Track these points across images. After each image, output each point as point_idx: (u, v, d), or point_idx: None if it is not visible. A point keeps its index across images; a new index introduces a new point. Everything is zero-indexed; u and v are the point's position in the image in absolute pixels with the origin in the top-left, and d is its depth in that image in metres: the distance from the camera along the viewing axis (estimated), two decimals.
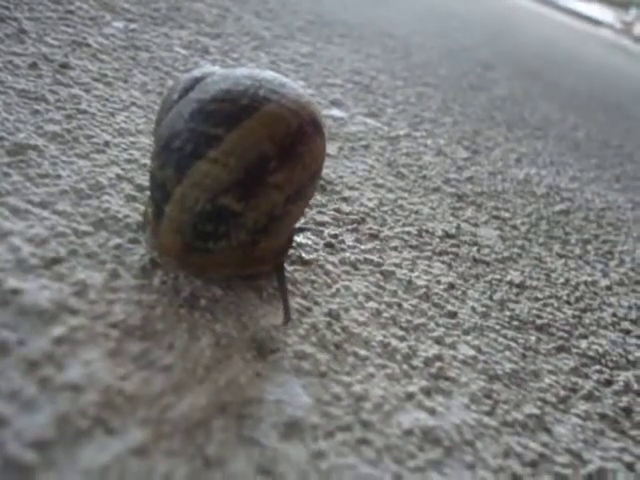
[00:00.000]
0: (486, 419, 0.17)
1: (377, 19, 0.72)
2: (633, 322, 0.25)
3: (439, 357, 0.18)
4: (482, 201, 0.31)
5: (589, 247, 0.30)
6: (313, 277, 0.20)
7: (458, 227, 0.27)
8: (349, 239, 0.22)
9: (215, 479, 0.12)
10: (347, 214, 0.24)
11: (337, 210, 0.24)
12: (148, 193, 0.20)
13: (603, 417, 0.18)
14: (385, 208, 0.26)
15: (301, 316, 0.18)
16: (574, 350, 0.21)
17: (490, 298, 0.22)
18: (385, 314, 0.19)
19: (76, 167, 0.20)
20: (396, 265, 0.22)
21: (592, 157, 0.49)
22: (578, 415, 0.18)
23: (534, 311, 0.22)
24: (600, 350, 0.22)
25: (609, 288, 0.27)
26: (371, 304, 0.19)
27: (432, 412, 0.16)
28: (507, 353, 0.19)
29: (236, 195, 0.15)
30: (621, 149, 0.57)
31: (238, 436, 0.14)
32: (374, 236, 0.23)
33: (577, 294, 0.25)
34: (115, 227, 0.18)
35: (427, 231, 0.25)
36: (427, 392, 0.17)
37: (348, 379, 0.16)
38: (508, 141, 0.44)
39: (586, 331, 0.23)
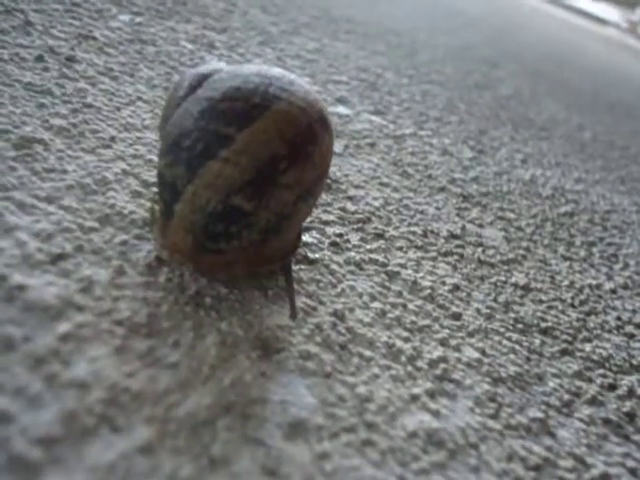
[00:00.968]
0: (490, 422, 0.16)
1: (382, 16, 0.71)
2: (637, 326, 0.24)
3: (444, 359, 0.18)
4: (487, 202, 0.31)
5: (594, 250, 0.30)
6: (318, 276, 0.20)
7: (463, 228, 0.27)
8: (354, 238, 0.22)
9: (220, 478, 0.12)
10: (352, 213, 0.24)
11: (342, 209, 0.24)
12: (154, 189, 0.20)
13: (607, 422, 0.18)
14: (390, 207, 0.26)
15: (306, 316, 0.18)
16: (578, 354, 0.21)
17: (495, 300, 0.22)
18: (390, 315, 0.19)
19: (82, 162, 0.20)
20: (401, 265, 0.22)
21: (597, 158, 0.49)
22: (582, 419, 0.18)
23: (538, 314, 0.22)
24: (604, 354, 0.21)
25: (614, 291, 0.27)
26: (376, 304, 0.19)
27: (436, 414, 0.16)
28: (511, 356, 0.19)
29: (247, 195, 0.15)
30: (627, 150, 0.56)
31: (243, 436, 0.14)
32: (379, 236, 0.23)
33: (581, 297, 0.25)
34: (121, 223, 0.18)
35: (432, 231, 0.25)
36: (431, 394, 0.17)
37: (353, 380, 0.16)
38: (514, 141, 0.44)
39: (590, 335, 0.22)
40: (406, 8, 0.86)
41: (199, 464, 0.13)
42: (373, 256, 0.22)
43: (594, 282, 0.27)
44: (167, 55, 0.31)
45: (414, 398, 0.16)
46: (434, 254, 0.24)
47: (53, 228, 0.17)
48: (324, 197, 0.25)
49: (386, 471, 0.14)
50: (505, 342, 0.20)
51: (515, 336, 0.21)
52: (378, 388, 0.16)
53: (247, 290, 0.18)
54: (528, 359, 0.20)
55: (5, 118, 0.20)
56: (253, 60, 0.36)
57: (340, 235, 0.22)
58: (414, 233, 0.25)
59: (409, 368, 0.17)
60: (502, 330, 0.21)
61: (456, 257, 0.24)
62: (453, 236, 0.26)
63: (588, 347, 0.22)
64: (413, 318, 0.19)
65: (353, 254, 0.21)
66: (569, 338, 0.22)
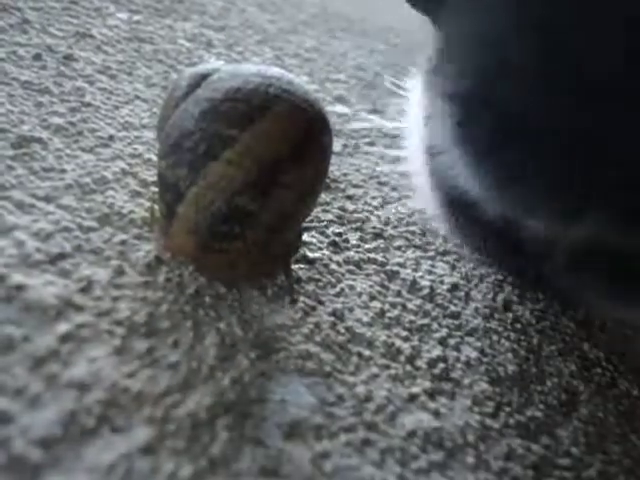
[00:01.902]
0: (489, 421, 0.17)
1: (380, 13, 0.71)
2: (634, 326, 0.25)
3: (443, 358, 0.18)
4: None
5: None
6: (317, 276, 0.20)
7: None
8: (353, 238, 0.22)
9: (220, 478, 0.12)
10: (351, 212, 0.24)
11: (341, 208, 0.24)
12: (153, 189, 0.20)
13: (604, 421, 0.18)
14: (389, 206, 0.26)
15: (305, 315, 0.18)
16: (576, 353, 0.21)
17: (493, 299, 0.22)
18: (389, 314, 0.19)
19: (81, 161, 0.20)
20: (400, 265, 0.22)
21: None
22: (579, 419, 0.18)
23: (536, 312, 0.22)
24: (601, 354, 0.22)
25: None
26: (375, 304, 0.19)
27: (436, 414, 0.16)
28: (510, 355, 0.19)
29: (251, 195, 0.15)
30: None
31: (242, 436, 0.14)
32: (378, 235, 0.23)
33: None
34: (120, 223, 0.18)
35: (431, 231, 0.25)
36: (430, 393, 0.17)
37: (352, 379, 0.16)
38: None
39: (588, 334, 0.23)
40: (405, 6, 0.86)
41: (199, 464, 0.13)
42: (372, 255, 0.22)
43: None
44: (165, 53, 0.31)
45: (413, 397, 0.16)
46: (432, 253, 0.24)
47: (52, 227, 0.17)
48: (323, 196, 0.25)
49: (385, 470, 0.14)
50: (504, 341, 0.20)
51: (514, 335, 0.21)
52: (377, 387, 0.16)
53: (246, 290, 0.18)
54: (527, 358, 0.20)
55: (3, 117, 0.20)
56: (251, 58, 0.36)
57: (339, 234, 0.22)
58: (413, 232, 0.25)
59: (408, 367, 0.17)
60: (501, 329, 0.21)
61: (454, 256, 0.24)
62: None
63: (586, 346, 0.22)
64: (412, 317, 0.19)
65: (352, 253, 0.22)
66: (567, 337, 0.22)
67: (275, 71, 0.17)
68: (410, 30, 0.69)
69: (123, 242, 0.17)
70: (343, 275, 0.20)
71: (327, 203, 0.24)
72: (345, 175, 0.27)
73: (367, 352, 0.17)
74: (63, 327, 0.14)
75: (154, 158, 0.22)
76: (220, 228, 0.15)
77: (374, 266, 0.21)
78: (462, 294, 0.22)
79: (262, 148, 0.15)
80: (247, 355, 0.16)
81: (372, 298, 0.20)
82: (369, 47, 0.53)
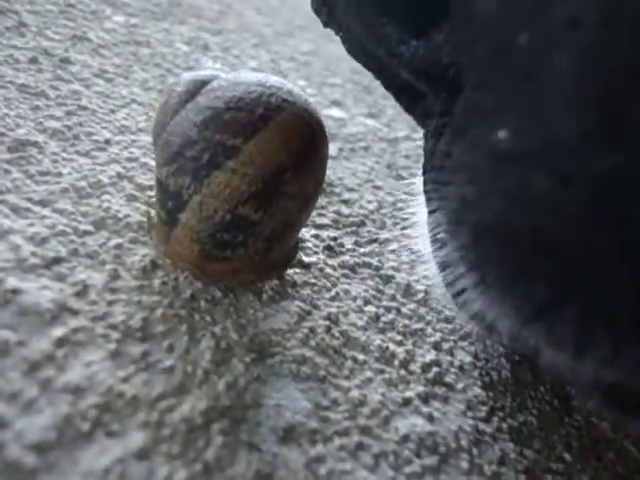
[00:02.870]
0: (482, 426, 0.17)
1: None
2: None
3: (436, 362, 0.18)
4: None
5: None
6: (313, 280, 0.20)
7: None
8: (348, 242, 0.23)
9: None
10: (347, 216, 0.24)
11: (337, 212, 0.24)
12: (149, 193, 0.20)
13: (597, 426, 0.18)
14: (384, 211, 0.26)
15: (300, 320, 0.18)
16: None
17: None
18: (384, 318, 0.19)
19: (77, 165, 0.20)
20: (395, 269, 0.22)
21: None
22: (572, 424, 0.18)
23: None
24: None
25: None
26: (370, 308, 0.19)
27: (429, 418, 0.16)
28: (503, 360, 0.20)
29: (254, 205, 0.15)
30: None
31: (237, 440, 0.14)
32: (373, 239, 0.23)
33: None
34: (116, 227, 0.18)
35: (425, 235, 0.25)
36: (424, 398, 0.17)
37: (347, 384, 0.16)
38: None
39: None
40: None
41: (194, 469, 0.13)
42: (367, 260, 0.22)
43: None
44: (162, 57, 0.31)
45: (407, 402, 0.17)
46: (427, 257, 0.24)
47: (48, 232, 0.17)
48: (318, 200, 0.25)
49: (379, 474, 0.14)
50: (497, 346, 0.20)
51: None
52: (371, 392, 0.16)
53: (241, 294, 0.18)
54: (520, 363, 0.20)
55: None
56: (248, 62, 0.36)
57: (334, 239, 0.22)
58: (408, 236, 0.25)
59: (402, 372, 0.17)
60: None
61: None
62: None
63: None
64: (406, 322, 0.20)
65: (347, 258, 0.22)
66: None
67: (275, 80, 0.17)
68: None
69: (119, 246, 0.17)
70: (338, 279, 0.20)
71: (322, 207, 0.24)
72: (341, 179, 0.27)
73: (361, 356, 0.17)
74: (58, 331, 0.14)
75: (150, 162, 0.22)
76: (222, 237, 0.16)
77: (369, 270, 0.21)
78: None
79: (265, 158, 0.15)
80: (242, 359, 0.16)
81: (367, 302, 0.20)
82: None
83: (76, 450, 0.12)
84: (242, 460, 0.13)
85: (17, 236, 0.16)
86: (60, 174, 0.19)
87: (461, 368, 0.18)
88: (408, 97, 0.16)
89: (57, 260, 0.16)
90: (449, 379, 0.18)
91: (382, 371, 0.17)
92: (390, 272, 0.22)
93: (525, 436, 0.17)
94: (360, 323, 0.19)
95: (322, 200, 0.25)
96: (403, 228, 0.22)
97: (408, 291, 0.21)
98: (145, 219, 0.19)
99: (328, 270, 0.20)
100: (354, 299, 0.20)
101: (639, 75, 0.09)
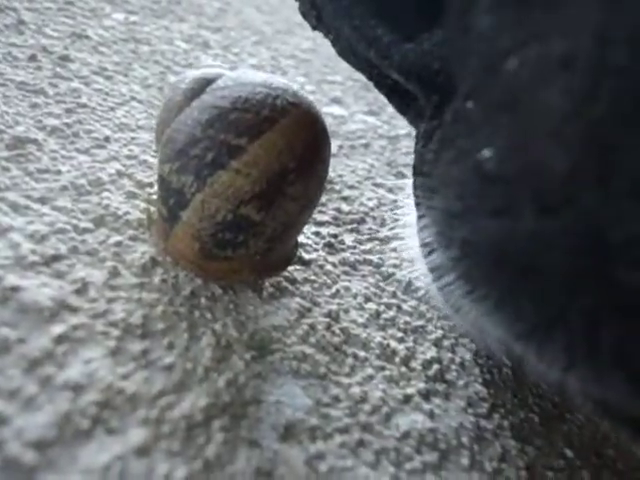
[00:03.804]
0: (483, 422, 0.17)
1: None
2: None
3: (437, 359, 0.18)
4: None
5: None
6: (313, 277, 0.20)
7: None
8: (349, 239, 0.22)
9: None
10: (347, 214, 0.24)
11: (337, 210, 0.24)
12: (149, 190, 0.20)
13: (598, 423, 0.18)
14: (384, 208, 0.26)
15: (300, 317, 0.18)
16: None
17: None
18: (384, 315, 0.19)
19: (76, 162, 0.20)
20: (395, 266, 0.22)
21: None
22: (573, 421, 0.18)
23: None
24: None
25: None
26: (370, 305, 0.19)
27: (430, 415, 0.16)
28: (504, 356, 0.20)
29: (257, 206, 0.15)
30: None
31: (237, 437, 0.14)
32: (373, 236, 0.23)
33: None
34: (115, 224, 0.18)
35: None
36: (425, 395, 0.17)
37: (347, 381, 0.16)
38: None
39: None
40: None
41: (194, 466, 0.13)
42: (367, 257, 0.22)
43: None
44: (161, 54, 0.31)
45: (408, 398, 0.16)
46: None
47: (47, 229, 0.17)
48: None
49: (380, 471, 0.14)
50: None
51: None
52: (372, 389, 0.16)
53: (241, 291, 0.18)
54: (520, 359, 0.20)
55: None
56: (248, 60, 0.36)
57: (335, 236, 0.22)
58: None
59: (403, 369, 0.17)
60: None
61: None
62: None
63: None
64: (407, 319, 0.20)
65: (348, 255, 0.22)
66: None
67: (280, 82, 0.17)
68: None
69: (118, 243, 0.17)
70: (338, 276, 0.20)
71: (323, 204, 0.24)
72: (341, 176, 0.27)
73: (362, 353, 0.17)
74: (58, 328, 0.14)
75: (150, 159, 0.22)
76: (224, 236, 0.16)
77: (369, 267, 0.21)
78: None
79: (270, 159, 0.15)
80: (242, 356, 0.16)
81: (367, 299, 0.20)
82: None
83: (76, 447, 0.12)
84: (242, 457, 0.13)
85: (16, 234, 0.16)
86: (59, 172, 0.19)
87: (462, 365, 0.18)
88: (400, 98, 0.17)
89: (56, 257, 0.16)
90: (450, 376, 0.18)
91: (383, 368, 0.17)
92: (391, 269, 0.22)
93: (526, 433, 0.17)
94: (361, 320, 0.19)
95: (322, 197, 0.25)
96: (391, 228, 0.22)
97: (409, 288, 0.21)
98: (145, 216, 0.19)
99: (328, 267, 0.20)
100: (355, 296, 0.20)
101: (627, 122, 0.09)
